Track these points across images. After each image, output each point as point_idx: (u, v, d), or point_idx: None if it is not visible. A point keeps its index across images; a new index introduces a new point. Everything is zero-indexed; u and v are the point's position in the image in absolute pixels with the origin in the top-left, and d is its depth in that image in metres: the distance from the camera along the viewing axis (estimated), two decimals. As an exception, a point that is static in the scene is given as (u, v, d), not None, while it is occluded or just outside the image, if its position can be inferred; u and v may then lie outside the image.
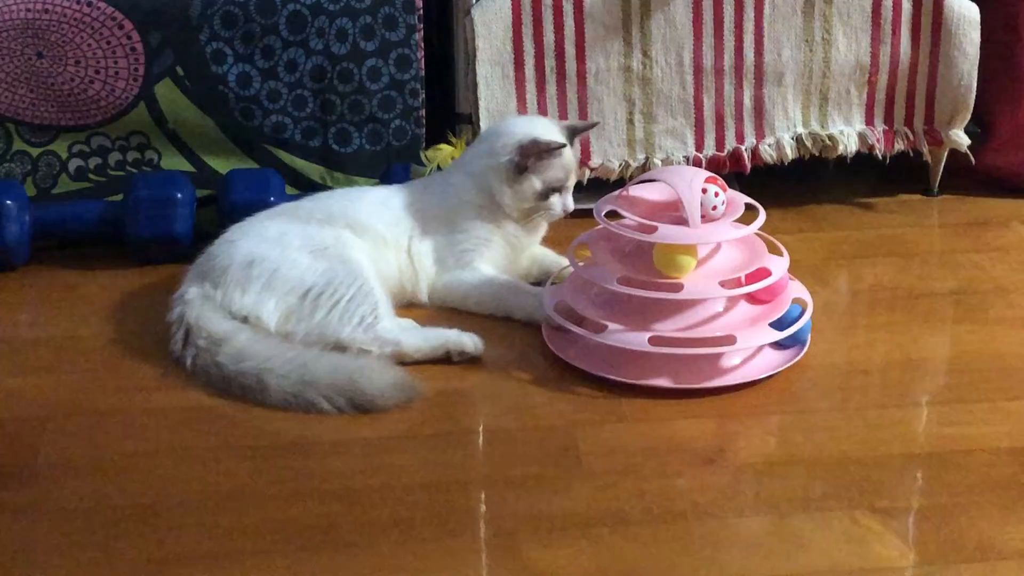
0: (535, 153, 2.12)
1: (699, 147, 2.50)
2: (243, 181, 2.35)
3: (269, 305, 2.00)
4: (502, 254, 2.19)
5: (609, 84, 2.46)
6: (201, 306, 2.00)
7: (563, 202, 2.16)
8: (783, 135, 2.51)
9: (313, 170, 2.44)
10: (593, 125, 2.40)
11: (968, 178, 2.62)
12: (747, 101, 2.49)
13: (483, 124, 2.43)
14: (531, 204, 2.16)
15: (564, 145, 2.15)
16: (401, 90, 2.43)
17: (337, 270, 2.02)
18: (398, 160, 2.44)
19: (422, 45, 2.42)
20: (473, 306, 2.14)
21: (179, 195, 2.32)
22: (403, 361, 1.97)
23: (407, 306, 2.16)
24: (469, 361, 1.99)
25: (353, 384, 1.87)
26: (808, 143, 2.52)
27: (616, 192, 2.06)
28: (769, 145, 2.51)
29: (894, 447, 1.80)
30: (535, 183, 2.14)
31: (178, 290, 2.05)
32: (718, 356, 1.94)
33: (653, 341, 1.91)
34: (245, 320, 1.99)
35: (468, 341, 2.00)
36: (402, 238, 2.17)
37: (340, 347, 1.97)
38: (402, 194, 2.22)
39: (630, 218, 1.97)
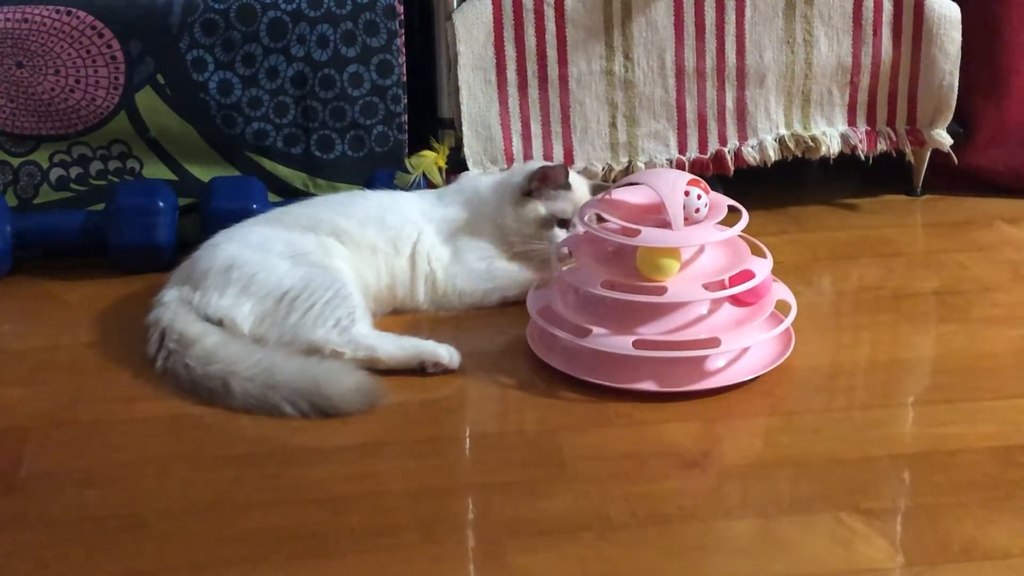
0: (539, 178, 2.18)
1: (682, 150, 2.50)
2: (225, 189, 2.35)
3: (244, 308, 2.00)
4: None
5: (591, 88, 2.46)
6: (177, 308, 2.00)
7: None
8: (766, 137, 2.52)
9: (296, 177, 2.44)
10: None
11: (951, 178, 2.62)
12: (729, 103, 2.49)
13: (465, 129, 2.43)
14: (533, 231, 2.18)
15: (566, 170, 2.22)
16: (383, 96, 2.43)
17: (315, 275, 2.02)
18: (381, 166, 2.43)
19: (403, 51, 2.42)
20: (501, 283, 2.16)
21: (161, 204, 2.31)
22: (375, 367, 1.96)
23: (392, 313, 2.15)
24: (443, 373, 1.98)
25: (317, 388, 1.87)
26: (791, 144, 2.53)
27: (599, 195, 2.06)
28: (752, 147, 2.51)
29: (879, 448, 1.80)
30: (539, 208, 2.18)
31: (159, 293, 2.06)
32: (703, 359, 1.94)
33: (637, 344, 1.91)
34: (220, 323, 1.99)
35: (444, 352, 1.98)
36: (403, 243, 2.16)
37: (313, 350, 1.96)
38: (410, 201, 2.23)
39: (613, 221, 1.97)
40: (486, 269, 2.18)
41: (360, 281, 2.09)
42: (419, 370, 1.98)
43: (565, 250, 2.06)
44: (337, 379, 1.89)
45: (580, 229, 2.04)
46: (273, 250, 2.06)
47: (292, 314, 1.99)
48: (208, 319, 1.99)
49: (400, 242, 2.16)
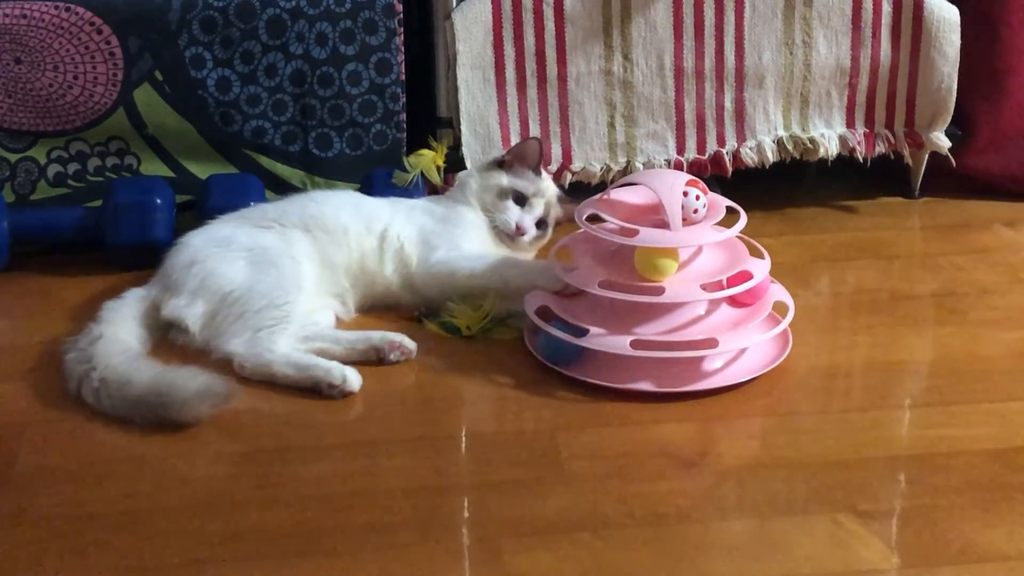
0: (514, 152, 2.27)
1: (680, 150, 2.50)
2: (223, 186, 2.34)
3: (197, 308, 2.03)
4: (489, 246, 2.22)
5: (590, 88, 2.45)
6: (118, 307, 2.03)
7: (519, 215, 2.22)
8: (764, 138, 2.52)
9: (293, 175, 2.44)
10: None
11: (949, 180, 2.62)
12: (728, 104, 2.49)
13: (464, 128, 2.43)
14: (491, 198, 2.24)
15: (538, 140, 2.29)
16: (381, 94, 2.43)
17: (261, 280, 2.03)
18: (379, 164, 2.43)
19: (402, 49, 2.42)
20: (464, 280, 2.11)
21: (158, 200, 2.31)
22: (274, 382, 1.95)
23: (385, 310, 2.16)
24: (342, 396, 1.92)
25: (161, 401, 1.83)
26: (789, 146, 2.53)
27: (597, 196, 2.06)
28: (750, 148, 2.51)
29: (876, 450, 1.79)
30: (502, 180, 2.24)
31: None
32: (700, 359, 1.94)
33: (635, 345, 1.90)
34: (176, 325, 2.02)
35: (338, 375, 1.92)
36: (375, 223, 2.17)
37: (225, 360, 1.97)
38: (388, 200, 2.25)
39: (611, 222, 1.97)
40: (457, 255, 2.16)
41: (327, 261, 2.11)
42: (314, 391, 1.93)
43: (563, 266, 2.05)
44: (181, 388, 1.85)
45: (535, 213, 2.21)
46: (234, 245, 2.08)
47: (225, 321, 2.01)
48: (166, 319, 2.03)
49: (372, 222, 2.17)
